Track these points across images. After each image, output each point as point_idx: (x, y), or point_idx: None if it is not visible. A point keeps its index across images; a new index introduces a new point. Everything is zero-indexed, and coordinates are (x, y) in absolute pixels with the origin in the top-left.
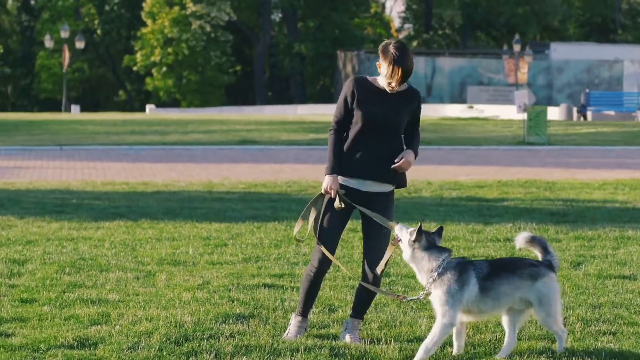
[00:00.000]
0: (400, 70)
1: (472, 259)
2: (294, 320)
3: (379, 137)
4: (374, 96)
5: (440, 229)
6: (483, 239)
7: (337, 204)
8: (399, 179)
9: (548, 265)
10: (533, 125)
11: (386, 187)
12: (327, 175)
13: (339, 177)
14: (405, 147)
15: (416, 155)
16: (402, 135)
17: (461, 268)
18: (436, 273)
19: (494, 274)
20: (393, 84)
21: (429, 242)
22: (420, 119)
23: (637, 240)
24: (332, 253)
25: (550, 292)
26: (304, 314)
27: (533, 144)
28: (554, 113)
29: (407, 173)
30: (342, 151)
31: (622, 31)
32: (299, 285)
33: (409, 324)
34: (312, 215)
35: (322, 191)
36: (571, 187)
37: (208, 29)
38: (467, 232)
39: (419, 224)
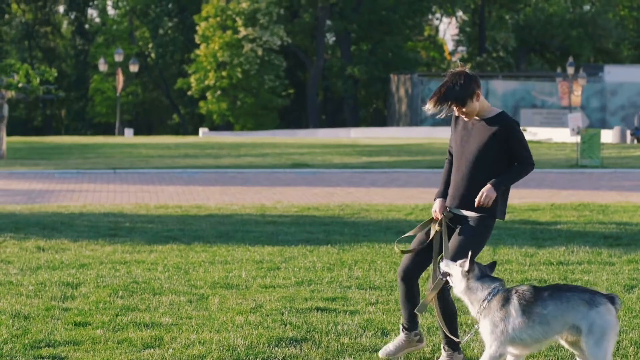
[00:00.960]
0: (433, 98)
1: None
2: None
3: (459, 167)
4: (459, 126)
5: (493, 264)
6: (536, 262)
7: (436, 227)
8: (482, 209)
9: (608, 296)
10: (586, 148)
11: (470, 213)
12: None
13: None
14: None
15: (502, 186)
16: (495, 167)
17: (505, 296)
18: (486, 301)
19: (540, 298)
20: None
21: (481, 272)
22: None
23: None
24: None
25: (604, 323)
26: (409, 328)
27: (586, 166)
28: (607, 136)
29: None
30: (448, 177)
31: None
32: (351, 308)
33: (462, 347)
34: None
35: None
36: (624, 210)
37: (260, 52)
38: (520, 256)
39: (469, 254)
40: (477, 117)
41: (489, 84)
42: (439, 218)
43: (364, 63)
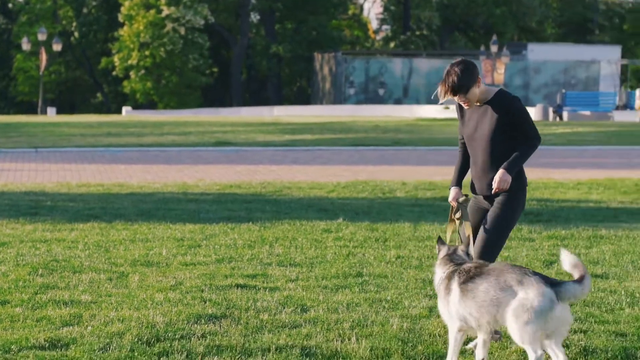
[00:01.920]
0: (442, 90)
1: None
2: None
3: (475, 155)
4: (465, 116)
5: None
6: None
7: (455, 215)
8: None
9: (546, 280)
10: None
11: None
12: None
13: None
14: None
15: (515, 168)
16: (510, 145)
17: (451, 274)
18: (439, 281)
19: (478, 275)
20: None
21: (448, 254)
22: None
23: (610, 240)
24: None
25: (532, 305)
26: None
27: None
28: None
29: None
30: (461, 166)
31: (599, 32)
32: (271, 285)
33: (380, 324)
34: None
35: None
36: (546, 187)
37: (183, 32)
38: (441, 232)
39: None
40: (477, 103)
41: (412, 62)
42: (455, 205)
43: (288, 41)
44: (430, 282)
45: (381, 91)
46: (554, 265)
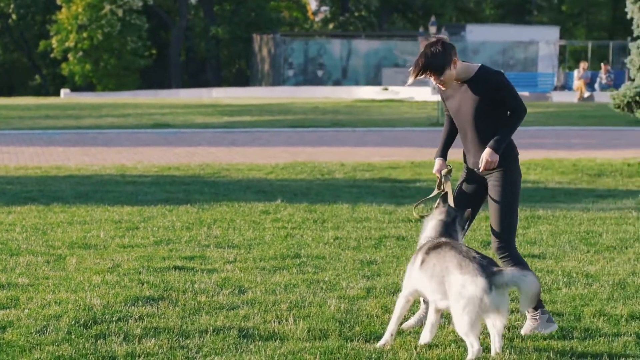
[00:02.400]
0: (413, 70)
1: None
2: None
3: (463, 130)
4: (447, 93)
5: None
6: (395, 220)
7: (439, 187)
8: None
9: (486, 270)
10: None
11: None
12: None
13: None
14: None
15: (501, 145)
16: (498, 120)
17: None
18: None
19: (434, 251)
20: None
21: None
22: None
23: (547, 220)
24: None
25: (466, 292)
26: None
27: None
28: None
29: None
30: (447, 137)
31: (537, 13)
32: (209, 267)
33: (318, 305)
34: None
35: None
36: None
37: (120, 13)
38: (379, 213)
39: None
40: (457, 81)
41: (351, 44)
42: (439, 176)
43: (227, 23)
44: (368, 262)
45: (320, 72)
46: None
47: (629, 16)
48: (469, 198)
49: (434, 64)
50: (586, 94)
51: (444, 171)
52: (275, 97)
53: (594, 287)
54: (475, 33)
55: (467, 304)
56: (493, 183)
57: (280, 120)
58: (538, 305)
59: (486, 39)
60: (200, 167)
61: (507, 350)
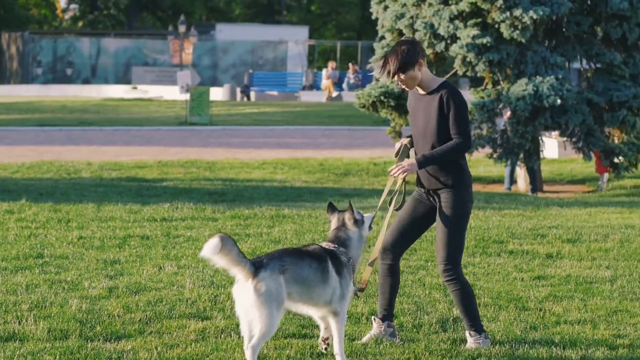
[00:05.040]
0: (381, 68)
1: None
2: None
3: (416, 143)
4: (410, 99)
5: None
6: (140, 219)
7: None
8: (437, 183)
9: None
10: (196, 105)
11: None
12: None
13: None
14: None
15: (427, 163)
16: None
17: None
18: None
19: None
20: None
21: None
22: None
23: (292, 219)
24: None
25: (264, 288)
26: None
27: (195, 124)
28: (217, 93)
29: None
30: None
31: (287, 13)
32: None
33: (59, 305)
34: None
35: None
36: (231, 167)
37: None
38: (125, 213)
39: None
40: (422, 91)
41: (101, 42)
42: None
43: None
44: (112, 262)
45: (69, 71)
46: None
47: (374, 16)
48: (414, 221)
49: (397, 62)
50: (334, 94)
51: (406, 140)
52: (23, 96)
53: None
54: (225, 32)
55: (270, 299)
56: (442, 205)
57: (28, 119)
58: None
59: (236, 39)
60: None
61: None
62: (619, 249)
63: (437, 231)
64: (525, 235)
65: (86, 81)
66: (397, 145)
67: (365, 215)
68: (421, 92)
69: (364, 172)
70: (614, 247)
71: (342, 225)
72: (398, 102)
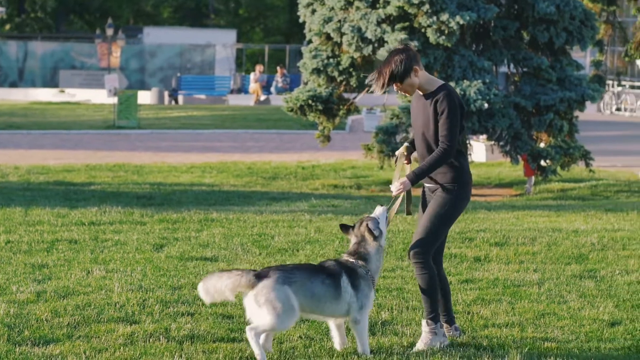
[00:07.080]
0: (376, 80)
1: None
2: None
3: (417, 144)
4: (414, 102)
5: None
6: (68, 223)
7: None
8: (434, 182)
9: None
10: (123, 109)
11: (433, 186)
12: None
13: None
14: None
15: (420, 177)
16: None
17: None
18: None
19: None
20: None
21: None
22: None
23: (220, 222)
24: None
25: (264, 296)
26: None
27: (123, 127)
28: (145, 97)
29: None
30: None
31: (215, 16)
32: None
33: None
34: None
35: None
36: (159, 171)
37: None
38: (52, 217)
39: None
40: (421, 93)
41: (28, 46)
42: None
43: None
44: (40, 266)
45: None
46: (164, 249)
47: (301, 20)
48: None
49: (393, 72)
50: (262, 97)
51: (402, 149)
52: None
53: None
54: (153, 36)
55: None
56: (435, 200)
57: None
58: None
59: (164, 42)
60: None
61: None
62: (547, 252)
63: (421, 220)
64: (453, 239)
65: (13, 84)
66: (397, 153)
67: (377, 210)
68: (421, 93)
69: (292, 175)
70: (541, 250)
71: (361, 240)
72: (326, 105)
